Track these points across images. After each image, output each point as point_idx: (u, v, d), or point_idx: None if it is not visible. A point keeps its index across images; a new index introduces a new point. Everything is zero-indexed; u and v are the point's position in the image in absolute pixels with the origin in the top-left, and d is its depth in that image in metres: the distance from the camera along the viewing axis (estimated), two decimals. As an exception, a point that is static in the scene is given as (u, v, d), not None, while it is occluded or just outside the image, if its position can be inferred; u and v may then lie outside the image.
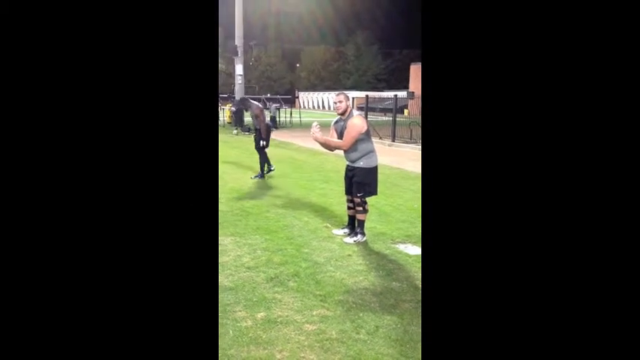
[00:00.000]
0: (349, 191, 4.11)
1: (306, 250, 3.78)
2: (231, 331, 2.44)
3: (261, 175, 7.20)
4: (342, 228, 4.30)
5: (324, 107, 43.06)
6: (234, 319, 2.58)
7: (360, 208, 4.02)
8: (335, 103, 3.99)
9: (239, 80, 18.97)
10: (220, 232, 4.25)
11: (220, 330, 2.45)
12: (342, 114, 3.96)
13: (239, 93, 18.74)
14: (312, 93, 49.70)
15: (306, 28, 54.02)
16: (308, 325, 2.52)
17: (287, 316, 2.63)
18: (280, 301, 2.83)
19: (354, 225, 4.14)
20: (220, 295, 2.87)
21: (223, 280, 3.14)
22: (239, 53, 18.73)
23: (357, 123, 3.86)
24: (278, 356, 2.22)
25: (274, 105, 18.77)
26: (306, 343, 2.34)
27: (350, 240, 4.02)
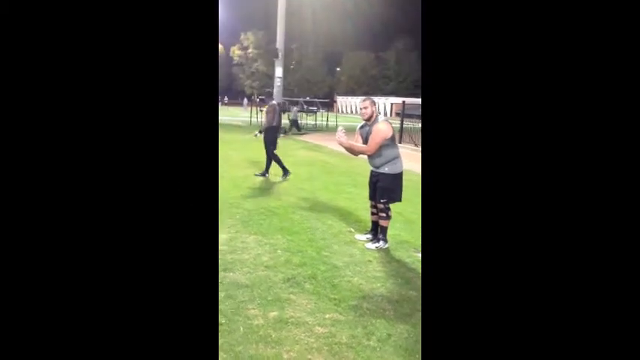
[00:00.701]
0: (373, 197, 4.07)
1: (326, 254, 3.76)
2: (242, 328, 2.46)
3: (265, 173, 7.26)
4: (365, 233, 4.26)
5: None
6: (247, 317, 2.59)
7: (384, 215, 3.97)
8: (361, 108, 3.96)
9: (278, 82, 19.21)
10: (244, 230, 4.30)
11: (231, 326, 2.47)
12: (368, 119, 3.93)
13: (277, 95, 18.99)
14: (350, 97, 49.68)
15: (347, 33, 54.17)
16: (319, 328, 2.50)
17: (299, 317, 2.62)
18: (294, 302, 2.83)
19: (377, 231, 4.09)
20: (235, 292, 2.90)
21: (241, 277, 3.17)
22: (279, 56, 18.98)
23: (382, 128, 3.81)
24: (285, 356, 2.22)
25: (295, 108, 18.79)
26: (315, 345, 2.33)
27: (372, 246, 3.97)
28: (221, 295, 2.85)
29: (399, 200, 4.00)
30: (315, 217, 4.92)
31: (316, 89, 54.86)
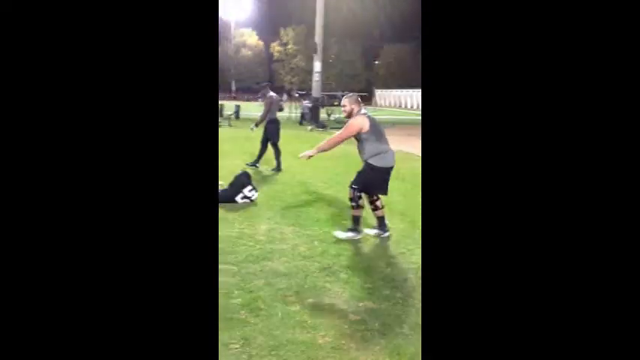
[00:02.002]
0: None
1: (361, 245, 3.85)
2: (279, 313, 2.60)
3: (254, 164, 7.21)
4: (373, 228, 4.19)
5: (400, 106, 42.24)
6: (284, 303, 2.73)
7: (354, 204, 3.94)
8: (341, 106, 4.06)
9: (316, 77, 19.36)
10: (282, 221, 4.46)
11: (270, 311, 2.61)
12: (349, 117, 3.98)
13: (316, 90, 19.13)
14: (388, 91, 49.10)
15: (386, 26, 53.57)
16: (352, 315, 2.60)
17: (334, 304, 2.74)
18: (330, 290, 2.94)
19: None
20: (274, 280, 3.05)
21: (279, 266, 3.32)
22: (318, 50, 19.10)
23: (353, 122, 3.87)
24: (320, 341, 2.33)
25: (305, 102, 18.52)
26: (348, 331, 2.43)
27: (343, 235, 3.97)
28: (261, 282, 3.01)
29: (383, 193, 4.00)
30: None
31: (355, 83, 54.61)
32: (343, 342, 2.33)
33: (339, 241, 3.92)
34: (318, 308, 2.68)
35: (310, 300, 2.79)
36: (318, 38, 19.11)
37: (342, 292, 2.91)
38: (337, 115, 20.38)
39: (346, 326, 2.48)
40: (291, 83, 52.62)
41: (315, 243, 3.86)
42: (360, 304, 2.75)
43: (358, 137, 3.90)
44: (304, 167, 7.79)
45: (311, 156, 3.99)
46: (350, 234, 3.99)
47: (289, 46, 55.57)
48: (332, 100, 22.32)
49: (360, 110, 3.98)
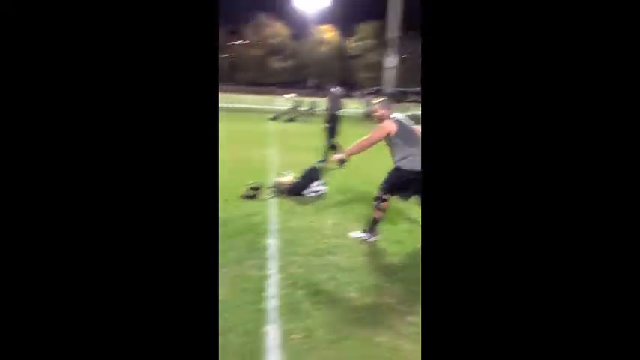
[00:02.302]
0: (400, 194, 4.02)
1: (420, 245, 3.83)
2: (340, 309, 2.70)
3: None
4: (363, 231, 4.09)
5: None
6: (345, 298, 2.83)
7: (375, 203, 3.88)
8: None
9: (389, 73, 19.20)
10: (348, 217, 4.56)
11: (332, 305, 2.72)
12: (381, 121, 3.93)
13: (389, 85, 18.99)
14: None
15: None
16: (409, 317, 2.64)
17: (393, 303, 2.79)
18: (389, 289, 2.99)
19: (372, 227, 3.94)
20: (338, 275, 3.16)
21: (342, 261, 3.42)
22: (392, 45, 18.91)
23: (381, 126, 3.83)
24: (377, 339, 2.40)
25: (368, 98, 18.38)
26: (404, 332, 2.47)
27: (354, 234, 3.97)
28: (324, 275, 3.13)
29: (404, 199, 3.95)
30: (415, 209, 4.98)
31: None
32: (400, 342, 2.38)
33: (399, 239, 3.94)
34: (377, 306, 2.75)
35: (370, 297, 2.86)
36: (392, 33, 18.90)
37: (399, 292, 2.95)
38: (409, 113, 20.15)
39: (403, 327, 2.53)
40: (367, 79, 52.36)
41: (378, 239, 3.91)
42: (418, 306, 2.77)
43: (388, 142, 3.91)
44: (372, 164, 7.82)
45: (341, 160, 4.05)
46: (361, 235, 3.98)
47: (366, 42, 55.32)
48: (404, 96, 21.99)
49: (390, 114, 3.99)
